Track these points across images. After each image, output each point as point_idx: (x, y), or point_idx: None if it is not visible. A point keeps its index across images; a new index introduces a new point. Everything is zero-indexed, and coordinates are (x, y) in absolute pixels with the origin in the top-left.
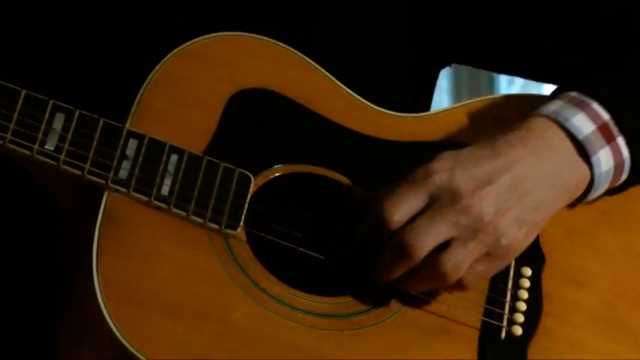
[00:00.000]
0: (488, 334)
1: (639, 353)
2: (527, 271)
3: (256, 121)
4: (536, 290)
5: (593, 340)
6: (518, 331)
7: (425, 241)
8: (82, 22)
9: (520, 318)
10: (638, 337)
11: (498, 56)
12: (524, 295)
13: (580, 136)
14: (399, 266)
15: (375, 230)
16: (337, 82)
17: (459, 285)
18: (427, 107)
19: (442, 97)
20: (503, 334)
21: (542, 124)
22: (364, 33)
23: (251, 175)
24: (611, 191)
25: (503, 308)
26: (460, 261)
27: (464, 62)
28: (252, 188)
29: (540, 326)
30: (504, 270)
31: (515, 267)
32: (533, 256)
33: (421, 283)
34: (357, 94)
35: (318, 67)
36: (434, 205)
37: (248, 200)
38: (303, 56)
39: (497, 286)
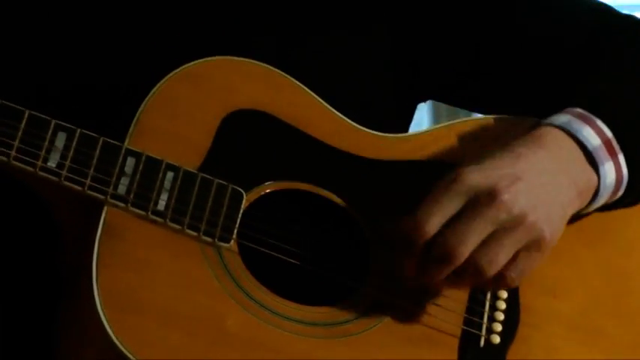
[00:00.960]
0: (467, 342)
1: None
2: None
3: (248, 140)
4: (513, 301)
5: (568, 348)
6: (496, 339)
7: (468, 243)
8: (83, 41)
9: (498, 327)
10: (610, 343)
11: (473, 95)
12: (502, 305)
13: (590, 147)
14: (443, 271)
15: (412, 243)
16: (325, 104)
17: (505, 282)
18: (406, 131)
19: (422, 116)
20: (482, 343)
21: (555, 133)
22: (352, 60)
23: (243, 191)
24: (602, 209)
25: (482, 318)
26: (495, 255)
27: (439, 100)
28: (244, 203)
29: (518, 335)
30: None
31: None
32: None
33: (461, 282)
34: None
35: (307, 90)
36: (472, 205)
37: (240, 215)
38: (294, 80)
39: (477, 296)
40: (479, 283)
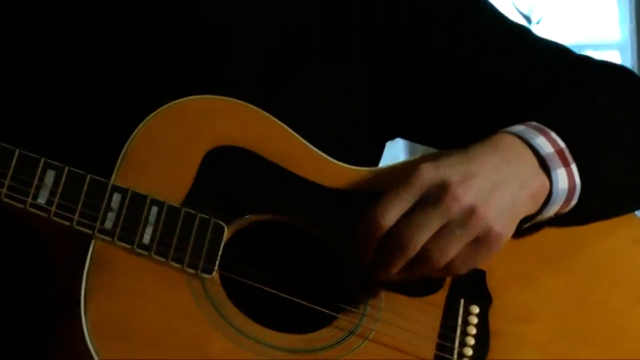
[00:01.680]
0: None
1: None
2: (475, 309)
3: (230, 175)
4: (483, 326)
5: None
6: None
7: (420, 234)
8: (69, 81)
9: (469, 352)
10: None
11: (442, 135)
12: (473, 330)
13: (542, 153)
14: (397, 262)
15: (370, 235)
16: (302, 139)
17: (452, 272)
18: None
19: (398, 151)
20: None
21: (510, 139)
22: (329, 98)
23: (224, 225)
24: (557, 221)
25: (453, 343)
26: (446, 245)
27: (410, 139)
28: (225, 236)
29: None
30: (455, 307)
31: (464, 305)
32: (481, 295)
33: (412, 271)
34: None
35: (285, 126)
36: (425, 199)
37: (222, 247)
38: (273, 117)
39: (448, 322)
40: (429, 273)
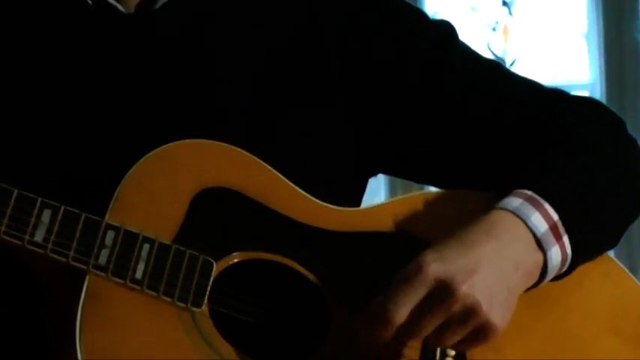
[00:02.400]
0: None
1: None
2: None
3: (218, 214)
4: (460, 357)
5: None
6: None
7: (424, 331)
8: (63, 132)
9: None
10: None
11: (423, 171)
12: None
13: (538, 234)
14: (394, 346)
15: (382, 330)
16: (286, 180)
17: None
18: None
19: (379, 185)
20: None
21: (506, 219)
22: (312, 138)
23: (213, 261)
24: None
25: None
26: (444, 338)
27: (392, 174)
28: (214, 272)
29: None
30: None
31: None
32: None
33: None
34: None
35: (270, 167)
36: (430, 297)
37: (211, 282)
38: (258, 159)
39: (428, 354)
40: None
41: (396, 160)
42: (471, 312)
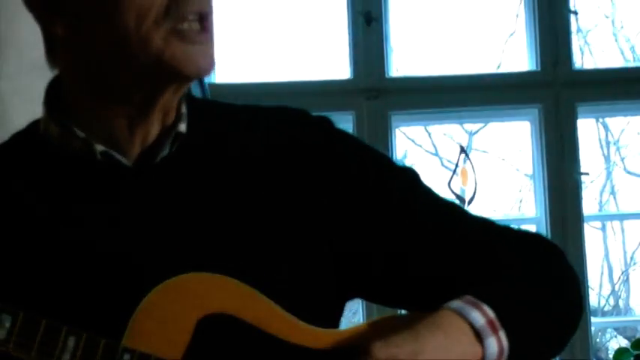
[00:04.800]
0: None
1: None
2: None
3: (220, 337)
4: None
5: None
6: None
7: None
8: (77, 278)
9: None
10: None
11: (394, 299)
12: None
13: (477, 326)
14: None
15: None
16: (278, 307)
17: None
18: (339, 320)
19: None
20: None
21: (450, 316)
22: (298, 271)
23: None
24: None
25: None
26: None
27: (366, 300)
28: None
29: None
30: None
31: None
32: None
33: None
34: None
35: (264, 297)
36: None
37: None
38: (255, 290)
39: None
40: None
41: (369, 289)
42: None
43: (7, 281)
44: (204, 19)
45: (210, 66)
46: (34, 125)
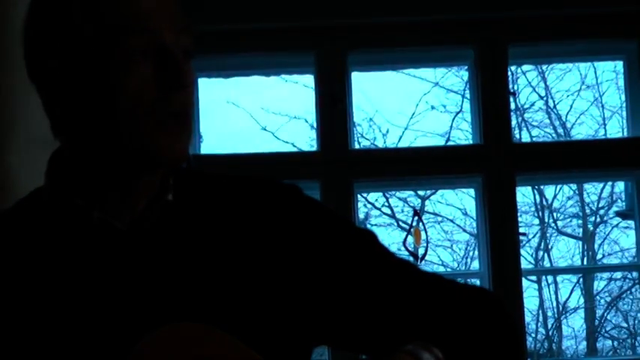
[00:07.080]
0: None
1: None
2: None
3: None
4: None
5: None
6: None
7: None
8: (70, 334)
9: None
10: None
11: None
12: None
13: None
14: None
15: None
16: (253, 352)
17: None
18: None
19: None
20: None
21: (405, 357)
22: (273, 323)
23: None
24: None
25: None
26: None
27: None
28: None
29: None
30: None
31: None
32: None
33: None
34: None
35: (240, 343)
36: None
37: None
38: (233, 337)
39: None
40: None
41: (330, 336)
42: None
43: (3, 340)
44: (185, 114)
45: (185, 155)
46: (36, 192)
